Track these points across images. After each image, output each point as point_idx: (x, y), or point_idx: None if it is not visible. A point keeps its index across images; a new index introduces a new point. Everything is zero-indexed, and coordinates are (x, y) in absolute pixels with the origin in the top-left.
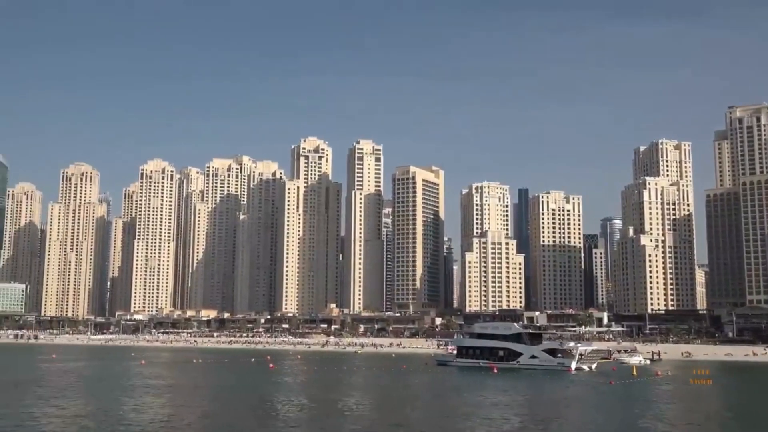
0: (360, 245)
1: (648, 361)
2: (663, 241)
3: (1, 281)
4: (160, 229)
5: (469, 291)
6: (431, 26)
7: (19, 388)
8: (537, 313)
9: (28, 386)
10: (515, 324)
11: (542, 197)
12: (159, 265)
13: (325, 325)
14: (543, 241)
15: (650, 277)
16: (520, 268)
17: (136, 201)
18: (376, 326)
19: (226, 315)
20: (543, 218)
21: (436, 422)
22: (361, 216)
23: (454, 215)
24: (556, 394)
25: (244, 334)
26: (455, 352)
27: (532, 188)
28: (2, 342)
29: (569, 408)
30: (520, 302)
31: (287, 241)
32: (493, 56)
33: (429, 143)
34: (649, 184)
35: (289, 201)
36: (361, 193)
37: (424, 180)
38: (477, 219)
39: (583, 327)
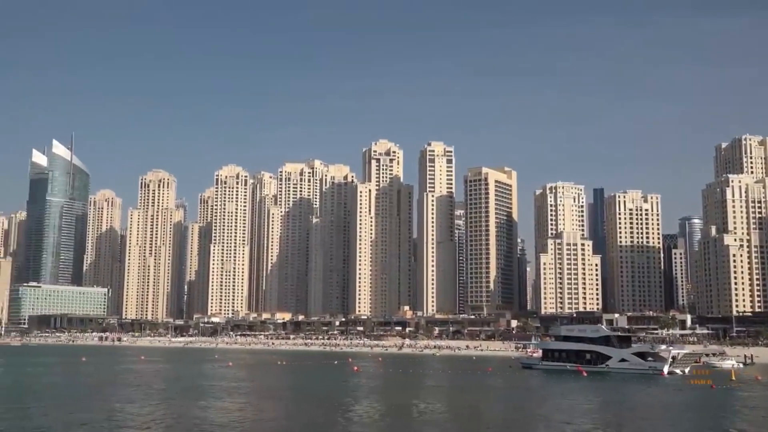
0: (432, 247)
1: (741, 365)
2: (748, 241)
3: (84, 285)
4: (235, 233)
5: (544, 293)
6: (500, 25)
7: (125, 388)
8: (616, 315)
9: (133, 386)
10: (602, 326)
11: (619, 197)
12: (234, 268)
13: (400, 328)
14: (620, 242)
15: (735, 277)
16: (596, 270)
17: (212, 206)
18: (450, 328)
19: (301, 317)
20: (620, 218)
21: (542, 427)
22: (433, 218)
23: (528, 216)
24: (657, 399)
25: (320, 337)
26: (535, 354)
27: (608, 188)
28: (89, 344)
29: (677, 414)
30: (597, 304)
31: (359, 244)
32: (564, 53)
33: (501, 144)
34: (732, 181)
35: (361, 204)
36: (432, 195)
37: (496, 181)
38: (551, 220)
39: (666, 330)
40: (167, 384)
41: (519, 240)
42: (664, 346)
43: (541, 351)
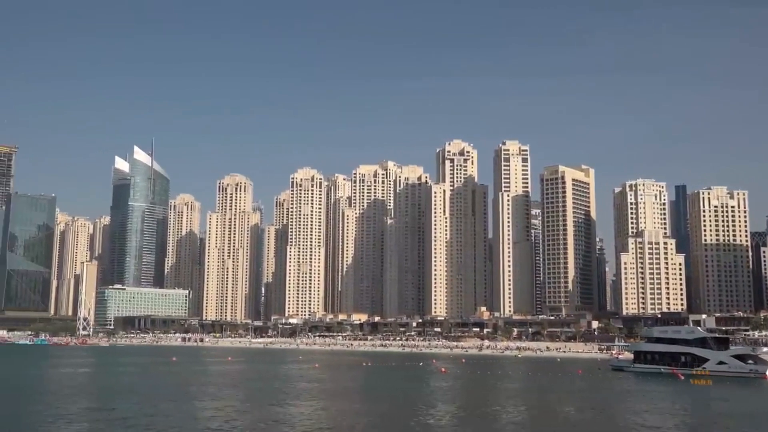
0: (508, 247)
1: None
2: None
3: (166, 287)
4: (311, 235)
5: (625, 293)
6: (572, 23)
7: (228, 388)
8: (704, 316)
9: (236, 387)
10: (698, 328)
11: (703, 193)
12: (310, 270)
13: (477, 329)
14: (705, 240)
15: None
16: (680, 269)
17: (287, 209)
18: (530, 329)
19: (377, 318)
20: (704, 216)
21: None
22: (508, 218)
23: (607, 215)
24: (763, 405)
25: (398, 338)
26: (621, 356)
27: (691, 184)
28: (172, 345)
29: None
30: (682, 304)
31: (434, 245)
32: (637, 49)
33: (577, 142)
34: None
35: (435, 205)
36: (508, 195)
37: (573, 179)
38: (632, 218)
39: (758, 331)
40: (267, 385)
41: (597, 239)
42: (766, 348)
43: (632, 353)
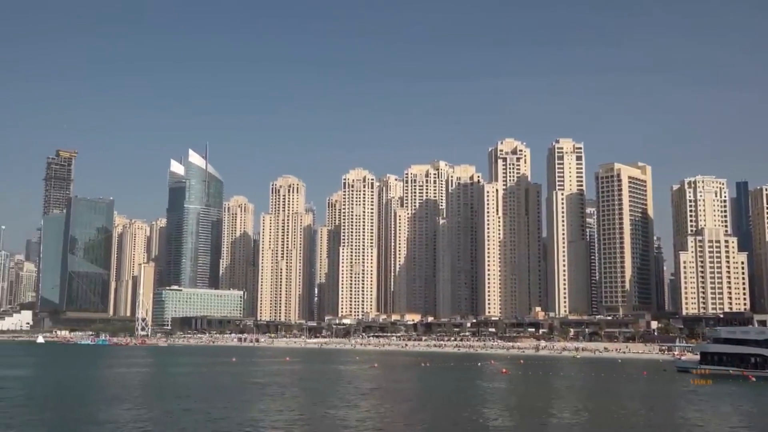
0: (563, 247)
1: None
2: None
3: (221, 288)
4: (363, 235)
5: (685, 293)
6: (625, 18)
7: (292, 388)
8: None
9: (300, 387)
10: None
11: (766, 190)
12: (363, 270)
13: (533, 329)
14: None
15: None
16: (742, 267)
17: (339, 209)
18: (586, 330)
19: (430, 319)
20: None
21: None
22: (563, 217)
23: (664, 213)
24: None
25: (452, 338)
26: (684, 357)
27: (752, 181)
28: (229, 345)
29: None
30: (744, 304)
31: (488, 245)
32: (695, 43)
33: (632, 139)
34: None
35: (488, 204)
36: (562, 194)
37: (629, 177)
38: (691, 216)
39: None
40: (332, 385)
41: (655, 238)
42: None
43: (698, 354)
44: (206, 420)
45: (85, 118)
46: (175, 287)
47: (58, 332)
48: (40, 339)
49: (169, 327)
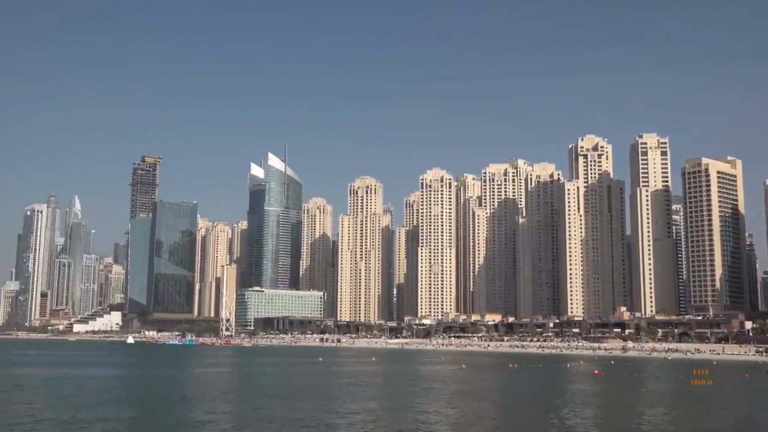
0: (648, 245)
1: None
2: None
3: (301, 289)
4: (442, 235)
5: None
6: (715, 10)
7: (390, 387)
8: None
9: (394, 387)
10: None
11: None
12: (442, 270)
13: (618, 330)
14: None
15: None
16: None
17: (417, 210)
18: (675, 330)
19: (511, 319)
20: None
21: None
22: (647, 214)
23: (757, 208)
24: None
25: (534, 339)
26: None
27: None
28: (311, 345)
29: None
30: None
31: (569, 244)
32: None
33: (719, 133)
34: None
35: (569, 202)
36: (646, 190)
37: (718, 171)
38: None
39: None
40: (427, 385)
41: (747, 234)
42: None
43: None
44: (313, 419)
45: (168, 125)
46: (257, 288)
47: (146, 332)
48: (130, 339)
49: (252, 327)
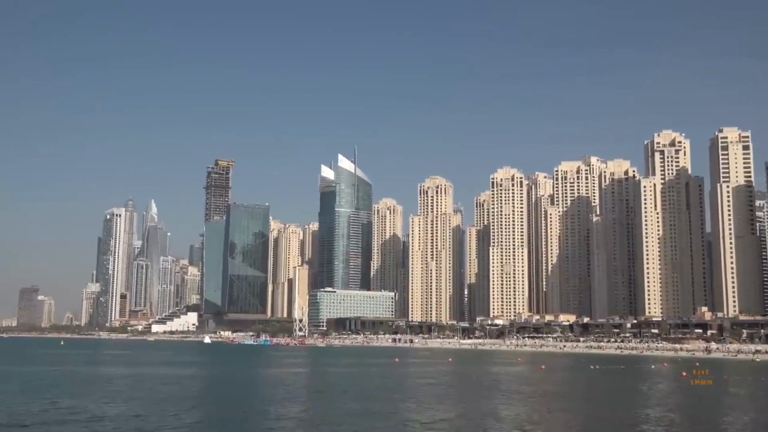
0: (730, 242)
1: None
2: None
3: (372, 290)
4: (513, 235)
5: None
6: None
7: (482, 388)
8: None
9: (495, 388)
10: None
11: None
12: (514, 270)
13: (699, 330)
14: None
15: None
16: None
17: (488, 209)
18: (762, 331)
19: (586, 319)
20: None
21: None
22: (729, 211)
23: None
24: None
25: (611, 339)
26: None
27: None
28: (384, 345)
29: None
30: None
31: (646, 242)
32: None
33: None
34: None
35: (645, 200)
36: (727, 186)
37: None
38: None
39: None
40: (511, 387)
41: None
42: None
43: None
44: (404, 420)
45: (239, 128)
46: (329, 289)
47: (222, 333)
48: (207, 340)
49: (324, 328)
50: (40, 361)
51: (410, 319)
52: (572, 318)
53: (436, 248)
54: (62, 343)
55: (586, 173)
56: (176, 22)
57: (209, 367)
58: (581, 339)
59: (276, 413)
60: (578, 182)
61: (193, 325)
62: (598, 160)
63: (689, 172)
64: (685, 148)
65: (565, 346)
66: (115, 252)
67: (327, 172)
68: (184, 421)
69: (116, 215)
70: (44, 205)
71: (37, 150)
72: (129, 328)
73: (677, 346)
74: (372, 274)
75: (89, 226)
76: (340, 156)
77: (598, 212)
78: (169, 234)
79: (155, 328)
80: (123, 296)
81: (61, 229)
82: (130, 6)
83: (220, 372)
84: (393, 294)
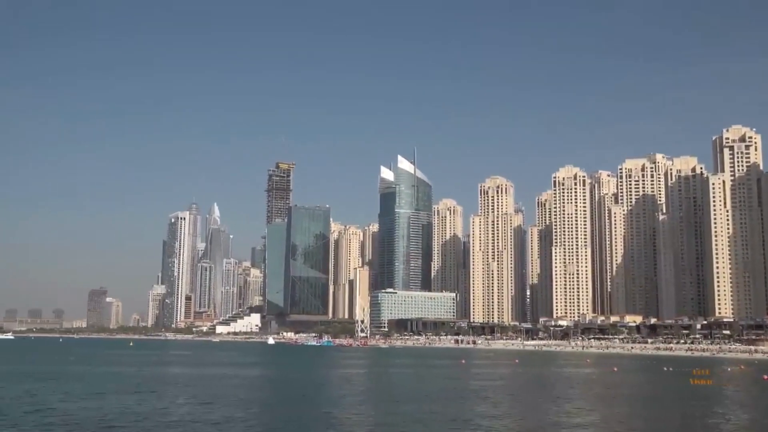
0: None
1: None
2: None
3: (433, 291)
4: (576, 234)
5: None
6: None
7: (567, 389)
8: None
9: (557, 389)
10: None
11: None
12: (577, 270)
13: None
14: None
15: None
16: None
17: (550, 209)
18: None
19: (653, 320)
20: None
21: None
22: None
23: None
24: None
25: (680, 341)
26: None
27: None
28: (446, 347)
29: None
30: None
31: (715, 241)
32: None
33: None
34: None
35: (714, 197)
36: None
37: None
38: None
39: None
40: (587, 389)
41: None
42: None
43: None
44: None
45: (300, 131)
46: (390, 290)
47: (285, 334)
48: (271, 341)
49: (386, 328)
50: (122, 362)
51: (472, 320)
52: (639, 319)
53: (498, 248)
54: (131, 344)
55: (652, 171)
56: (240, 26)
57: (280, 368)
58: (649, 340)
59: (365, 414)
60: (643, 180)
61: (256, 326)
62: (663, 157)
63: (761, 168)
64: (756, 143)
65: (632, 348)
66: (179, 254)
67: (387, 174)
68: (268, 425)
69: (180, 218)
70: (112, 209)
71: (106, 156)
72: (194, 329)
73: (751, 347)
74: (432, 274)
75: (155, 230)
76: (399, 157)
77: (664, 210)
78: (231, 236)
79: (219, 329)
80: (188, 298)
81: (128, 233)
82: (193, 12)
83: (293, 373)
84: (454, 295)
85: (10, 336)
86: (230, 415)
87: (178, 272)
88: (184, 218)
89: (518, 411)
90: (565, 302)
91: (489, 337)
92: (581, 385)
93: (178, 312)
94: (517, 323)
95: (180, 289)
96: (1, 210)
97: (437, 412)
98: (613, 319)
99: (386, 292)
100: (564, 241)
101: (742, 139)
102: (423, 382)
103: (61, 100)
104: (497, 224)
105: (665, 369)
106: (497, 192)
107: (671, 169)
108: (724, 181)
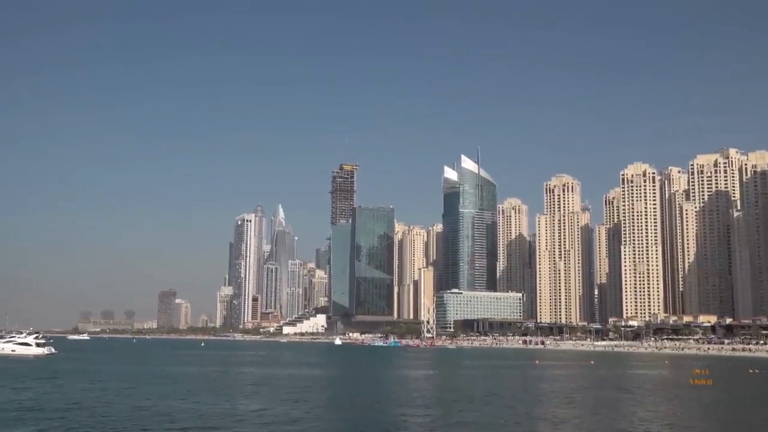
0: None
1: None
2: None
3: (498, 291)
4: (646, 232)
5: None
6: None
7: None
8: None
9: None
10: None
11: None
12: (648, 269)
13: None
14: None
15: None
16: None
17: (618, 206)
18: None
19: (729, 320)
20: None
21: None
22: None
23: None
24: None
25: (760, 342)
26: None
27: None
28: (514, 347)
29: None
30: None
31: None
32: None
33: None
34: None
35: None
36: None
37: None
38: None
39: None
40: (674, 393)
41: None
42: None
43: None
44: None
45: (363, 132)
46: (455, 290)
47: (350, 334)
48: (338, 341)
49: (452, 329)
50: (198, 362)
51: (539, 321)
52: (713, 319)
53: (564, 248)
54: (202, 344)
55: (725, 166)
56: (299, 29)
57: (351, 368)
58: (725, 341)
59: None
60: (716, 176)
61: (322, 326)
62: (737, 152)
63: None
64: None
65: (709, 349)
66: (246, 256)
67: (450, 174)
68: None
69: (246, 221)
70: (180, 212)
71: (175, 163)
72: (261, 329)
73: None
74: (498, 274)
75: (222, 232)
76: (463, 157)
77: (738, 207)
78: (296, 238)
79: (286, 329)
80: (255, 299)
81: (195, 235)
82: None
83: (366, 373)
84: (520, 295)
85: (86, 337)
86: (317, 415)
87: (245, 273)
88: (250, 220)
89: (623, 412)
90: (636, 302)
91: (557, 337)
92: (673, 389)
93: (245, 313)
94: (585, 323)
95: (247, 290)
96: (78, 216)
97: (535, 415)
98: (686, 319)
99: (452, 293)
100: (634, 240)
101: None
102: (504, 381)
103: (131, 115)
104: (564, 223)
105: (750, 371)
106: (563, 190)
107: (746, 164)
108: None
